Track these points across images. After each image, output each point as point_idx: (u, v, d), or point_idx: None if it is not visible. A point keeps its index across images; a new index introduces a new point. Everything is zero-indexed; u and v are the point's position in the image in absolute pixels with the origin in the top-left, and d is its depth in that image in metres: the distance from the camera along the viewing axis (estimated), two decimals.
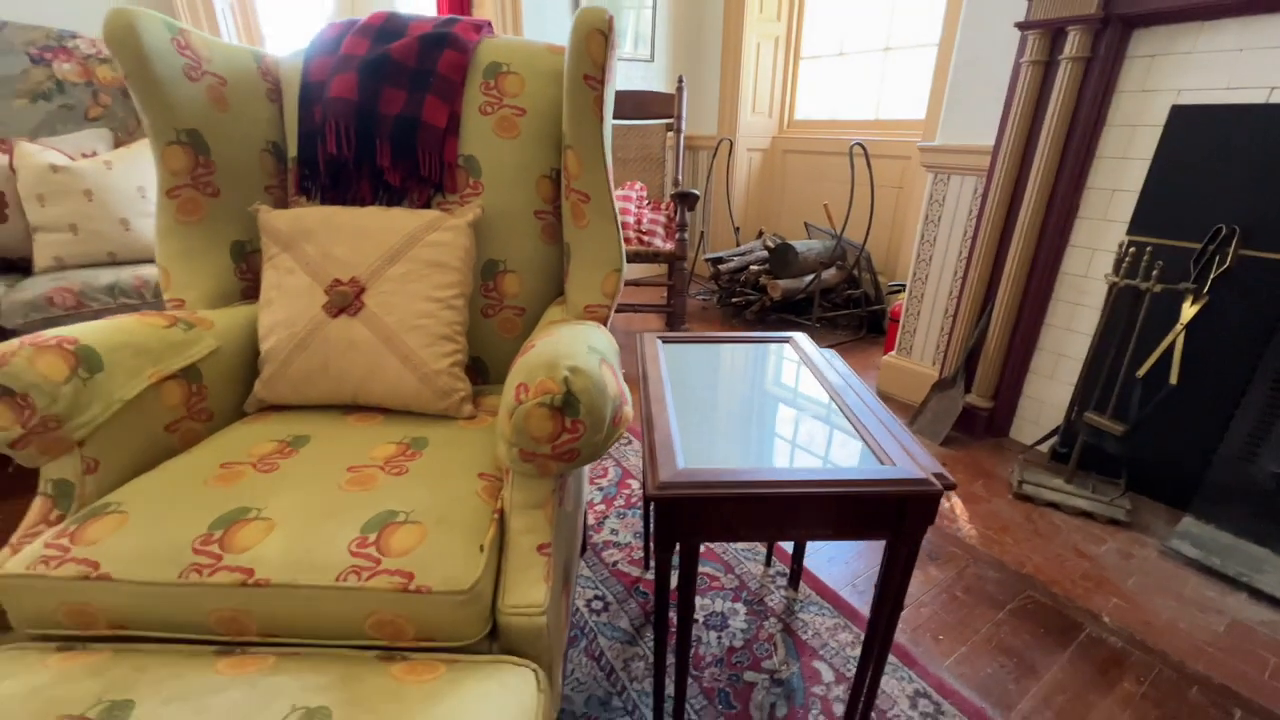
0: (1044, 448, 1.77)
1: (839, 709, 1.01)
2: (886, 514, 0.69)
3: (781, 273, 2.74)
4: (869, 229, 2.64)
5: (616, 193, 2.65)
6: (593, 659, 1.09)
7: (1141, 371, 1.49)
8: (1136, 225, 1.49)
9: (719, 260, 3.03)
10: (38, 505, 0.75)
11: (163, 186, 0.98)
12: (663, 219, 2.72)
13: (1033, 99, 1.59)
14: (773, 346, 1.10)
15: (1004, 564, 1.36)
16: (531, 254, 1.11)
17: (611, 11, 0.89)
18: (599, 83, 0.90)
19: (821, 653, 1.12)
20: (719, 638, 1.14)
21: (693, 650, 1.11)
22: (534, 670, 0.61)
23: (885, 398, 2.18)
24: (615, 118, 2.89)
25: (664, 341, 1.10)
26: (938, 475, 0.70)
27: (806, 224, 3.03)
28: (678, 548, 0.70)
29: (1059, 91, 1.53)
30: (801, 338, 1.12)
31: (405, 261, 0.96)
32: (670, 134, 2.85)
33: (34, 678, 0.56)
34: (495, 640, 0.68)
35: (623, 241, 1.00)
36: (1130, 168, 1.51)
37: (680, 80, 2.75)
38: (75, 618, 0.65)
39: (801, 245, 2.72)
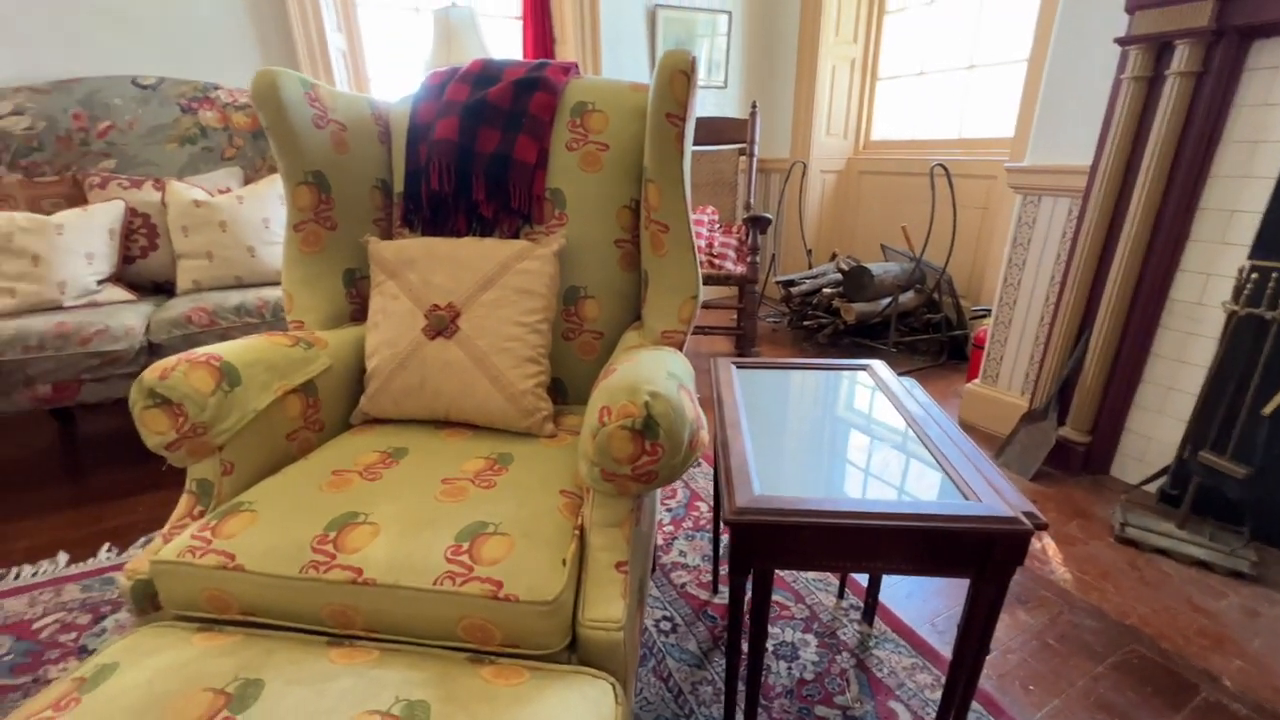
0: (1151, 488, 1.63)
1: None
2: (971, 552, 0.67)
3: (856, 296, 2.68)
4: (951, 251, 2.54)
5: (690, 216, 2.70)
6: (661, 679, 1.10)
7: (1268, 409, 1.36)
8: (1261, 249, 1.36)
9: (791, 283, 3.01)
10: (184, 501, 0.86)
11: (291, 221, 1.11)
12: (734, 242, 2.74)
13: (1135, 116, 1.50)
14: (849, 374, 1.09)
15: (1104, 613, 1.26)
16: (610, 280, 1.16)
17: (686, 40, 0.94)
18: (680, 120, 0.94)
19: (898, 693, 1.08)
20: (789, 668, 1.13)
21: (762, 679, 1.10)
22: (612, 684, 0.64)
23: (968, 428, 2.08)
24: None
25: (738, 367, 1.12)
26: (1028, 514, 0.67)
27: (883, 246, 2.96)
28: (750, 573, 0.71)
29: (1166, 108, 1.43)
30: (879, 365, 1.10)
31: (497, 288, 1.03)
32: (743, 158, 2.88)
33: (180, 653, 0.64)
34: (574, 652, 0.71)
35: (699, 269, 1.03)
36: (1252, 187, 1.39)
37: (754, 106, 2.78)
38: (213, 602, 0.74)
39: (877, 268, 2.65)
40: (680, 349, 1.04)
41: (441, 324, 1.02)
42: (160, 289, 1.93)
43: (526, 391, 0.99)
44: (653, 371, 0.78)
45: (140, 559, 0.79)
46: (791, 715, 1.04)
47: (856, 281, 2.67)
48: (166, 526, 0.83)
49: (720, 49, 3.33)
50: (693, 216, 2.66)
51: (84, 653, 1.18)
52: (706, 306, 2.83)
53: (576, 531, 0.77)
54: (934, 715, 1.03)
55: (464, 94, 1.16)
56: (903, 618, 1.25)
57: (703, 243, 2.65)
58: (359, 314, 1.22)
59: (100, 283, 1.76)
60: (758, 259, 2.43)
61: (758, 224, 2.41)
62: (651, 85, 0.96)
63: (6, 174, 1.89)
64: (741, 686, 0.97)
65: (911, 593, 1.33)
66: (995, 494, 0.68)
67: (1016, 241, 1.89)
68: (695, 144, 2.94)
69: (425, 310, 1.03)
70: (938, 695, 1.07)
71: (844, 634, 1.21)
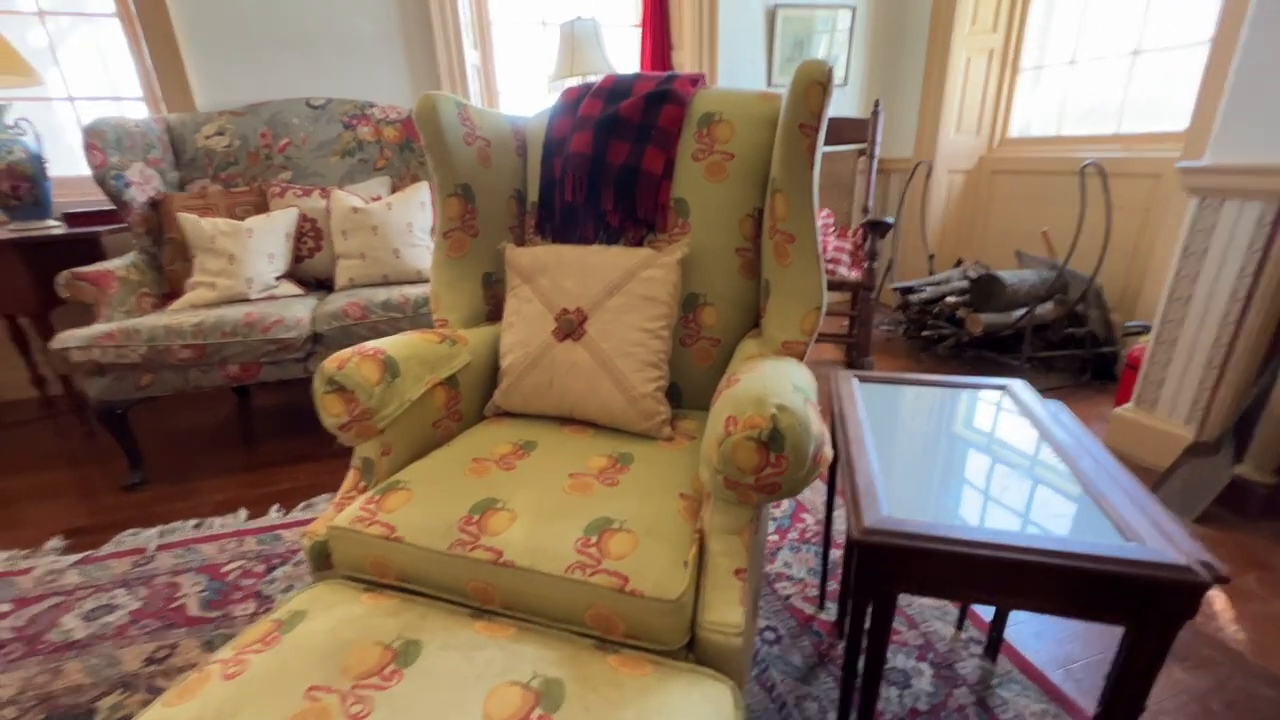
0: None
1: None
2: (1130, 599, 0.61)
3: (984, 306, 2.49)
4: (1102, 258, 2.28)
5: None
6: (765, 689, 1.10)
7: None
8: None
9: (910, 290, 2.85)
10: (351, 475, 0.99)
11: (441, 229, 1.23)
12: (849, 246, 2.64)
13: None
14: (983, 392, 1.03)
15: None
16: (730, 289, 1.18)
17: (805, 39, 0.93)
18: (814, 130, 0.93)
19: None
20: (900, 695, 1.08)
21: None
22: (731, 687, 0.66)
23: (1115, 456, 1.87)
24: None
25: (860, 380, 1.09)
26: (1204, 563, 0.61)
27: (1019, 253, 2.72)
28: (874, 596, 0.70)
29: None
30: (1019, 385, 1.03)
31: (622, 294, 1.08)
32: (862, 159, 2.77)
33: (354, 608, 0.74)
34: (691, 652, 0.74)
35: (825, 281, 1.02)
36: None
37: (876, 104, 2.66)
38: (376, 567, 0.84)
39: (1010, 276, 2.45)
40: (801, 359, 1.04)
41: (570, 327, 1.09)
42: (322, 285, 2.20)
43: (647, 395, 1.03)
44: (779, 384, 0.79)
45: (318, 523, 0.92)
46: None
47: (985, 290, 2.48)
48: (338, 496, 0.96)
49: (841, 44, 3.21)
50: None
51: (260, 597, 1.38)
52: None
53: (697, 535, 0.79)
54: None
55: (597, 109, 1.22)
56: (1032, 659, 1.16)
57: None
58: (494, 314, 1.32)
59: (278, 279, 2.04)
60: (875, 265, 2.33)
61: (877, 229, 2.31)
62: (785, 95, 0.96)
63: (210, 185, 2.24)
64: (854, 714, 0.95)
65: (1041, 632, 1.22)
66: (1163, 537, 0.62)
67: (1188, 250, 1.66)
68: None
69: (555, 314, 1.11)
70: None
71: (962, 668, 1.14)
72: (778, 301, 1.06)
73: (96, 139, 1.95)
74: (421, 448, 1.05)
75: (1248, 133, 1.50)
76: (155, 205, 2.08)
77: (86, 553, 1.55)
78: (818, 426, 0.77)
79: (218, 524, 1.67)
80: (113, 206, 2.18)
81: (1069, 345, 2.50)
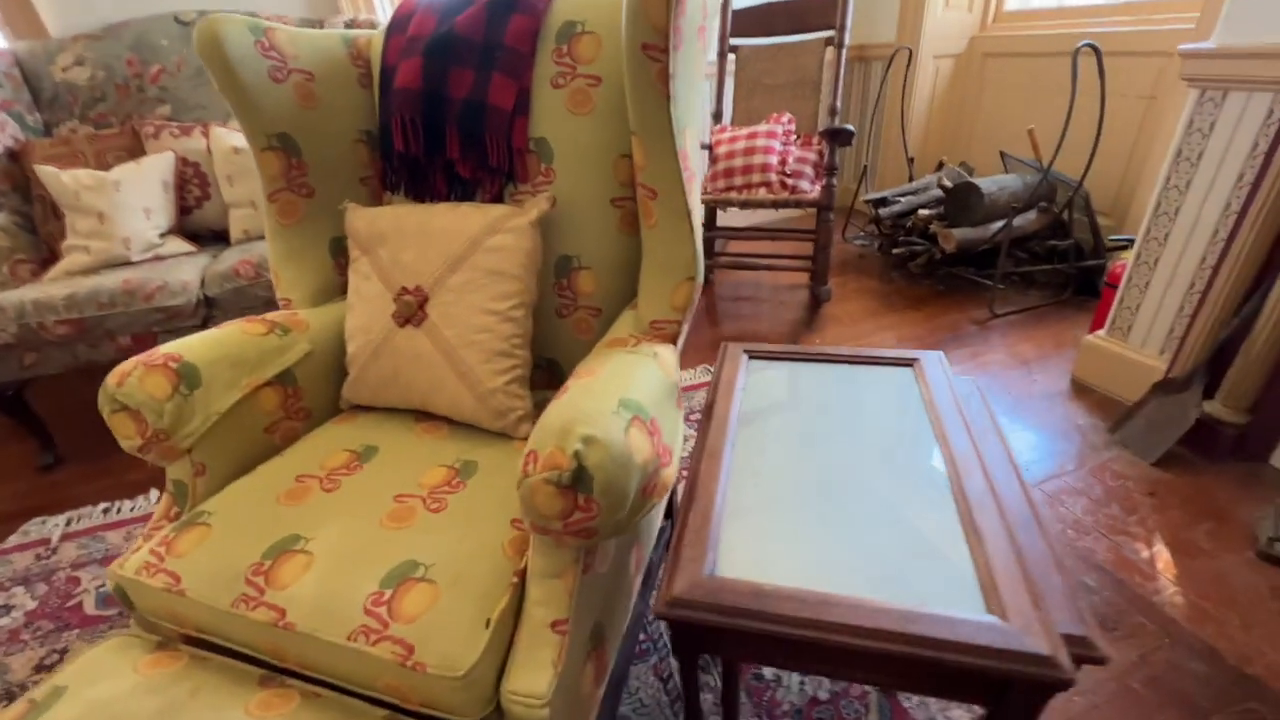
0: None
1: None
2: (982, 683, 0.50)
3: (959, 218, 2.25)
4: (1092, 157, 2.01)
5: (760, 127, 2.34)
6: (660, 679, 1.04)
7: None
8: None
9: (881, 202, 2.59)
10: (164, 501, 0.87)
11: (264, 191, 1.03)
12: (813, 157, 2.36)
13: None
14: (890, 372, 0.87)
15: (1218, 654, 1.02)
16: (608, 248, 0.99)
17: None
18: (662, 52, 0.71)
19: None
20: (800, 686, 1.02)
21: (770, 694, 1.01)
22: None
23: (1082, 388, 1.73)
24: (765, 34, 2.52)
25: (750, 357, 0.93)
26: (1078, 640, 0.48)
27: (1003, 154, 2.43)
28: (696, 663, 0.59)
29: None
30: (932, 360, 0.87)
31: (465, 269, 0.90)
32: (830, 50, 2.41)
33: (117, 685, 0.65)
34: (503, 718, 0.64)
35: (699, 244, 0.83)
36: None
37: None
38: (172, 618, 0.75)
39: (989, 184, 2.19)
40: (675, 341, 0.87)
41: (409, 310, 0.92)
42: (219, 237, 1.99)
43: (497, 390, 0.89)
44: (600, 401, 0.64)
45: (120, 560, 0.81)
46: None
47: (961, 201, 2.23)
48: (147, 527, 0.85)
49: None
50: (764, 126, 2.31)
51: None
52: (778, 234, 2.52)
53: (515, 580, 0.68)
54: None
55: (430, 25, 0.97)
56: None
57: (775, 159, 2.30)
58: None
59: (162, 236, 1.83)
60: (835, 181, 2.08)
61: (837, 138, 2.03)
62: (623, 3, 0.73)
63: (80, 126, 1.97)
64: None
65: None
66: (1031, 607, 0.49)
67: (1182, 155, 1.42)
68: (771, 34, 2.50)
69: (395, 294, 0.94)
70: None
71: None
72: (647, 271, 0.88)
73: None
74: (251, 459, 0.92)
75: (1264, 9, 1.21)
76: (15, 157, 1.84)
77: None
78: (645, 455, 0.62)
79: (127, 507, 1.60)
80: None
81: (1054, 258, 2.28)
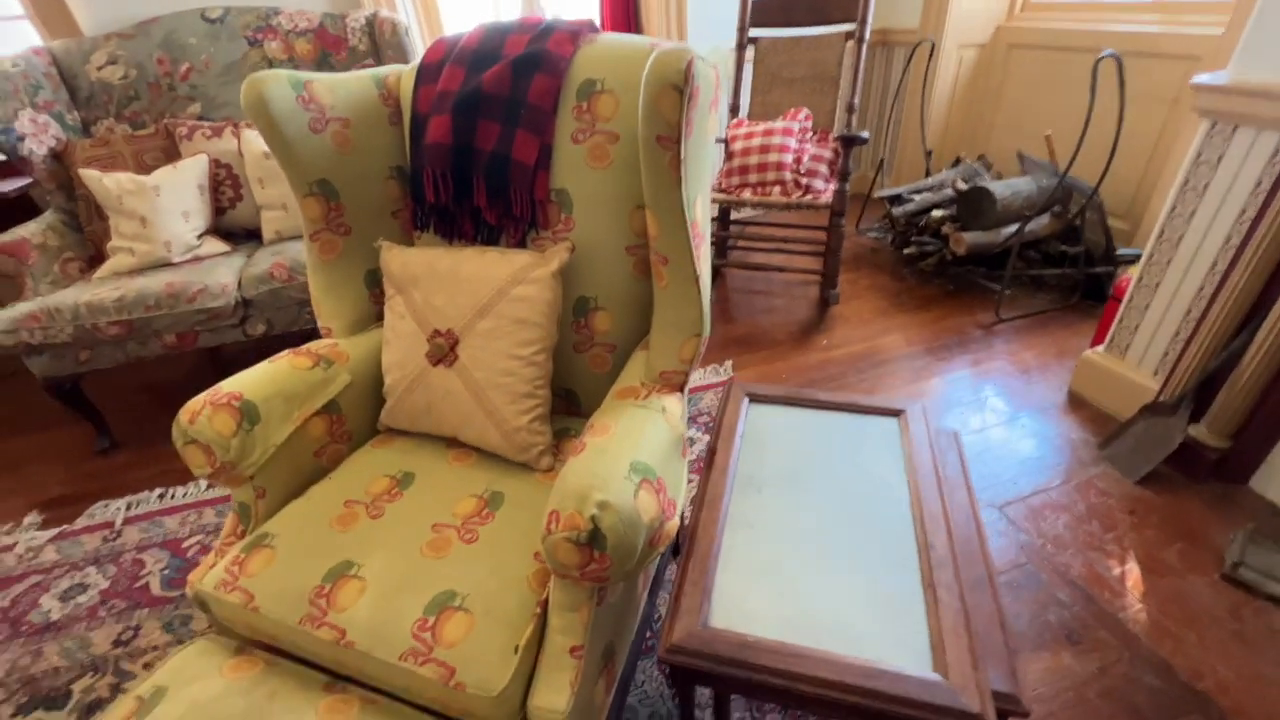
0: None
1: None
2: None
3: (971, 221, 2.27)
4: (1109, 162, 2.01)
5: (776, 124, 2.36)
6: (663, 673, 1.17)
7: None
8: None
9: (895, 199, 2.60)
10: (230, 520, 0.99)
11: (305, 231, 1.11)
12: (828, 155, 2.38)
13: None
14: (877, 422, 0.95)
15: (1172, 669, 1.12)
16: (623, 291, 1.07)
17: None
18: (674, 143, 0.78)
19: None
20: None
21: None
22: None
23: (1078, 401, 1.79)
24: (783, 26, 2.49)
25: (751, 401, 1.02)
26: (1007, 697, 0.58)
27: (1020, 155, 2.42)
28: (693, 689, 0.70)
29: None
30: (916, 412, 0.95)
31: (492, 317, 0.99)
32: (850, 44, 2.39)
33: (210, 686, 0.77)
34: None
35: (706, 304, 0.91)
36: None
37: None
38: (246, 628, 0.87)
39: (1003, 187, 2.20)
40: (681, 390, 0.96)
41: (441, 352, 1.01)
42: (252, 235, 2.08)
43: (521, 428, 0.99)
44: (614, 465, 0.74)
45: (198, 572, 0.94)
46: None
47: (974, 205, 2.24)
48: (217, 543, 0.98)
49: None
50: (780, 124, 2.32)
51: None
52: (787, 237, 2.56)
53: (539, 610, 0.79)
54: None
55: (458, 81, 1.03)
56: None
57: (789, 158, 2.32)
58: (384, 315, 1.24)
59: (199, 237, 1.93)
60: (847, 187, 2.10)
61: (850, 144, 2.05)
62: (641, 98, 0.78)
63: (116, 125, 2.05)
64: None
65: None
66: (970, 667, 0.59)
67: (1188, 185, 1.44)
68: (791, 25, 2.47)
69: (428, 334, 1.03)
70: None
71: None
72: (658, 326, 0.96)
73: None
74: (303, 481, 1.03)
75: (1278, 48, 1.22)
76: (58, 157, 1.93)
77: (62, 527, 1.66)
78: (652, 513, 0.72)
79: (180, 493, 1.75)
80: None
81: (1064, 263, 2.30)
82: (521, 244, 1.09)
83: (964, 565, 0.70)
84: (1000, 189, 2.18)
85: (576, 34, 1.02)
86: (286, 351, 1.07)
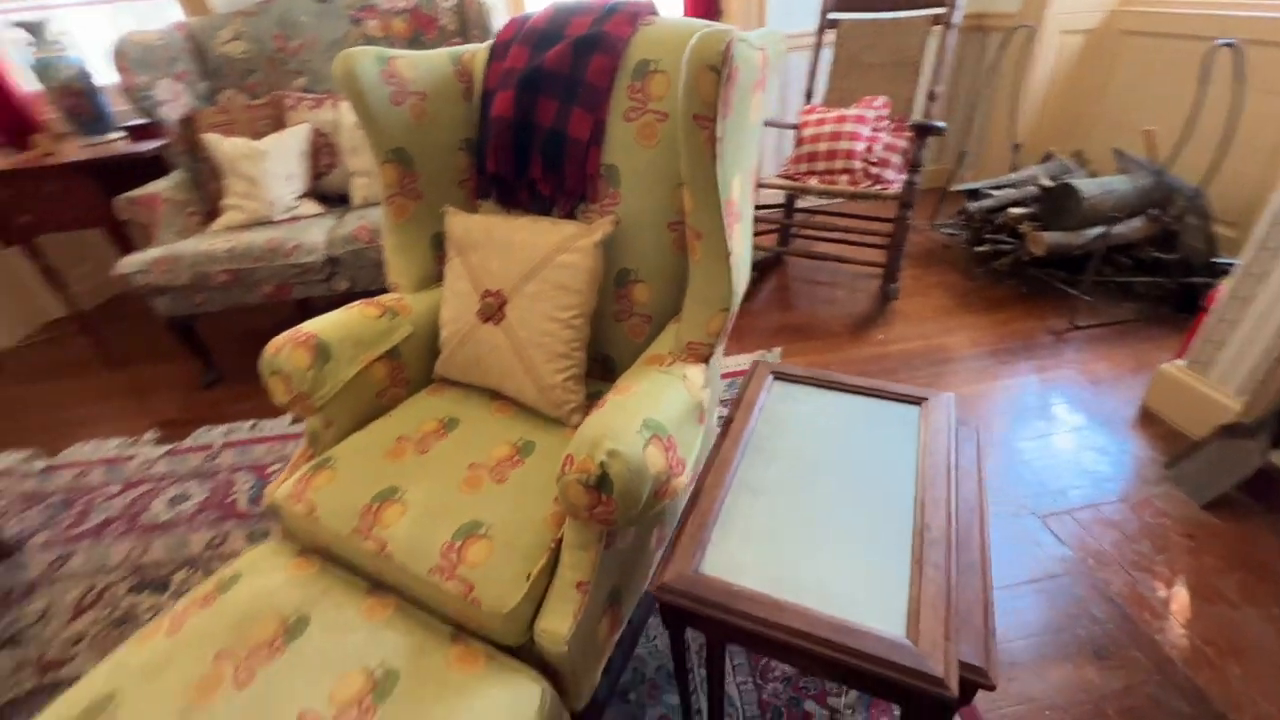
0: None
1: None
2: (894, 688, 0.63)
3: (1054, 221, 2.14)
4: (1216, 164, 1.84)
5: (849, 110, 2.31)
6: (620, 695, 1.23)
7: None
8: None
9: (974, 194, 2.48)
10: (303, 444, 1.13)
11: (382, 195, 1.23)
12: (903, 144, 2.31)
13: None
14: (898, 409, 0.96)
15: (1207, 698, 1.07)
16: (663, 265, 1.12)
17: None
18: (710, 121, 0.81)
19: (896, 713, 1.08)
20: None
21: (765, 661, 1.18)
22: (543, 690, 0.77)
23: (1150, 417, 1.68)
24: (869, 9, 2.42)
25: (775, 379, 1.05)
26: (973, 669, 0.60)
27: (1118, 152, 2.25)
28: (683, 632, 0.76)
29: None
30: (940, 402, 0.95)
31: (538, 281, 1.07)
32: (936, 29, 2.29)
33: (274, 578, 0.91)
34: (534, 647, 0.85)
35: (737, 280, 0.94)
36: None
37: None
38: (306, 536, 1.01)
39: (1093, 185, 2.05)
40: (706, 361, 1.01)
41: (490, 311, 1.11)
42: (343, 200, 2.28)
43: (555, 385, 1.06)
44: (628, 419, 0.80)
45: (273, 486, 1.08)
46: (780, 700, 1.11)
47: (1058, 203, 2.11)
48: (292, 462, 1.12)
49: None
50: (854, 110, 2.27)
51: None
52: (850, 226, 2.49)
53: (553, 546, 0.87)
54: None
55: (523, 59, 1.11)
56: None
57: (860, 145, 2.27)
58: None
59: (298, 199, 2.14)
60: (917, 179, 2.03)
61: (925, 134, 1.98)
62: (682, 77, 0.82)
63: (236, 95, 2.29)
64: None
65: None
66: (942, 637, 0.62)
67: None
68: (875, 9, 2.39)
69: (480, 294, 1.12)
70: None
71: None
72: (691, 298, 1.01)
73: (123, 60, 2.03)
74: (364, 417, 1.16)
75: None
76: (188, 123, 2.19)
77: (172, 445, 1.92)
78: (659, 466, 0.78)
79: (268, 426, 1.97)
80: None
81: (1158, 270, 2.13)
82: (571, 215, 1.16)
83: (959, 550, 0.72)
84: (1089, 187, 2.04)
85: (636, 15, 1.07)
86: (359, 301, 1.20)
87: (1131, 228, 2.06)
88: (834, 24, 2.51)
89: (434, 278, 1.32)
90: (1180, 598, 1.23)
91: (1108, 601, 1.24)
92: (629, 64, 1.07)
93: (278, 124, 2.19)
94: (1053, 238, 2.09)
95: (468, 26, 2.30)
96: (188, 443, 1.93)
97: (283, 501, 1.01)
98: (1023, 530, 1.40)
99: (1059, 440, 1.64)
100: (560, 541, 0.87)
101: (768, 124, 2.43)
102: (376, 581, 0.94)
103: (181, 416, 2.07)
